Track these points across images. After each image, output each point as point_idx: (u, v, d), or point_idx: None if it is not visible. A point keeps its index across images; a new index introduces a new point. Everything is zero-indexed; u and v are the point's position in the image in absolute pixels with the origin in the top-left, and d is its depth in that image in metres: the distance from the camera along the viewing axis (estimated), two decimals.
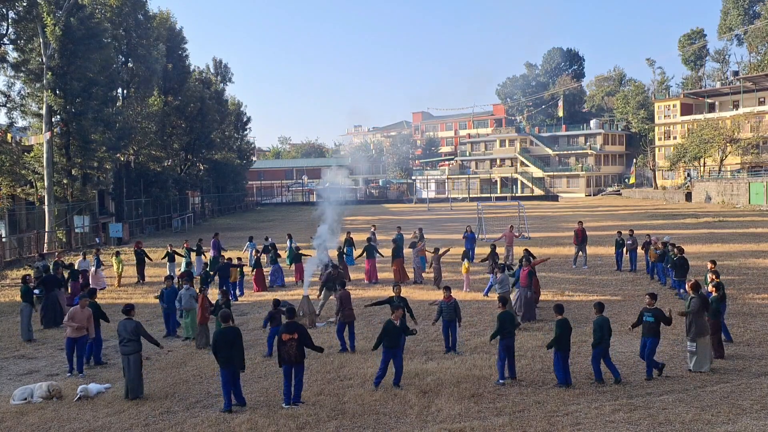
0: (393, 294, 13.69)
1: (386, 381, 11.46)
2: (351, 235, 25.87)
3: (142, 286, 22.85)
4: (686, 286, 14.52)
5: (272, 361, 12.79)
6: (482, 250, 25.76)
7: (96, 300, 13.90)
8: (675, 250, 18.43)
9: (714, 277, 13.32)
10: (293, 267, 22.98)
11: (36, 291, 16.80)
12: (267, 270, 22.75)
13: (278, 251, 24.31)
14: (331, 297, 16.03)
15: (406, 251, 23.95)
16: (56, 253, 24.79)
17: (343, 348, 13.58)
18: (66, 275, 19.16)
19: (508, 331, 11.31)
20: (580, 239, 23.67)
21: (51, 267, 19.94)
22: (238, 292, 20.19)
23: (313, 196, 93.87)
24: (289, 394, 10.40)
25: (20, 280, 17.01)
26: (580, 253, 23.80)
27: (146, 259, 23.78)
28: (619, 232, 23.97)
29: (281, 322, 11.84)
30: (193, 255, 23.84)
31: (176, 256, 23.66)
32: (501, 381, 11.18)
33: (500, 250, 23.62)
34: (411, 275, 22.17)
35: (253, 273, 21.45)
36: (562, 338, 10.92)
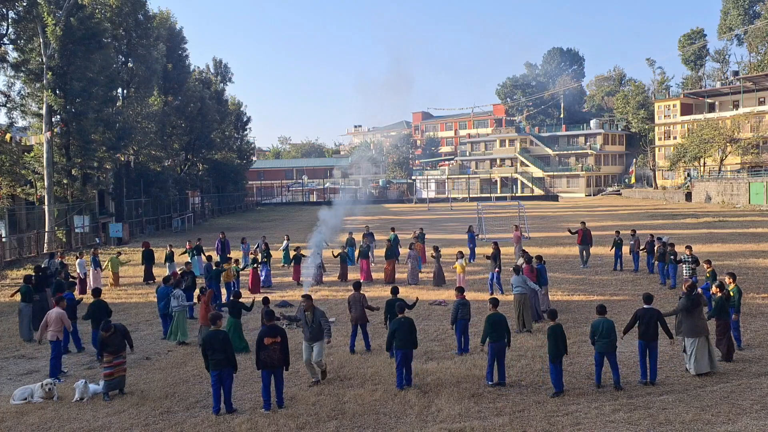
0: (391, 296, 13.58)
1: (386, 380, 11.47)
2: (353, 236, 25.89)
3: (148, 286, 22.77)
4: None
5: None
6: (482, 250, 25.81)
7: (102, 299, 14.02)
8: (686, 250, 18.45)
9: (730, 279, 13.12)
10: (291, 268, 23.02)
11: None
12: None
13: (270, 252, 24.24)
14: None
15: (404, 251, 23.99)
16: (59, 253, 24.73)
17: (351, 349, 13.51)
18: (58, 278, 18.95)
19: (498, 334, 11.18)
20: (582, 240, 23.70)
21: (58, 266, 19.86)
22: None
23: (313, 196, 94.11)
24: (269, 399, 10.29)
25: (22, 280, 16.97)
26: (584, 252, 23.82)
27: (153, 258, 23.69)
28: (617, 232, 23.97)
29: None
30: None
31: (175, 256, 23.64)
32: (489, 382, 11.15)
33: (510, 251, 23.75)
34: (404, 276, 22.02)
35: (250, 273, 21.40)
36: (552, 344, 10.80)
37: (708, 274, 15.65)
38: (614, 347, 10.80)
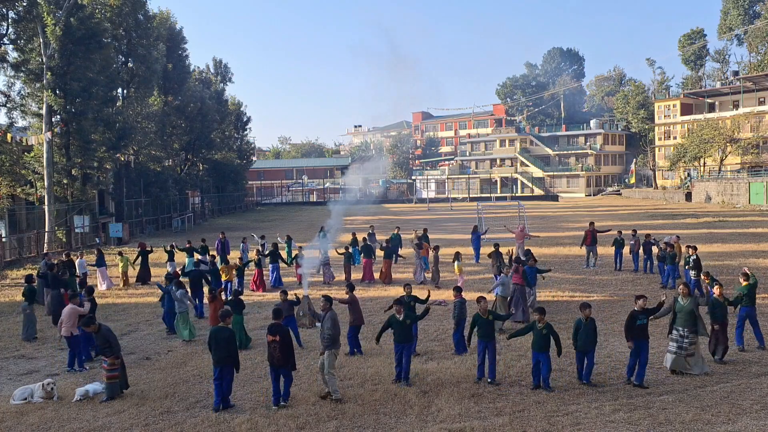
0: (404, 293, 13.55)
1: (386, 380, 11.47)
2: (356, 235, 25.90)
3: (146, 286, 22.74)
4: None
5: None
6: (485, 250, 25.79)
7: (93, 298, 14.06)
8: (690, 250, 18.46)
9: (744, 279, 13.21)
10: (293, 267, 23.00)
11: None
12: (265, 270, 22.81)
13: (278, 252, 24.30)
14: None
15: (407, 252, 24.00)
16: (63, 254, 24.71)
17: (351, 352, 13.40)
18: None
19: (484, 332, 11.29)
20: (590, 241, 23.65)
21: (57, 267, 19.87)
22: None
23: (313, 196, 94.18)
24: (278, 394, 10.37)
25: (24, 280, 17.00)
26: (591, 253, 23.77)
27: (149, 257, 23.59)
28: (619, 232, 23.94)
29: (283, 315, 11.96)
30: (196, 255, 23.81)
31: (176, 255, 23.61)
32: (489, 380, 11.24)
33: (512, 250, 23.66)
34: (408, 276, 22.04)
35: (254, 273, 21.43)
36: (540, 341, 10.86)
37: (708, 280, 15.60)
38: (582, 345, 10.92)
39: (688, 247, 19.15)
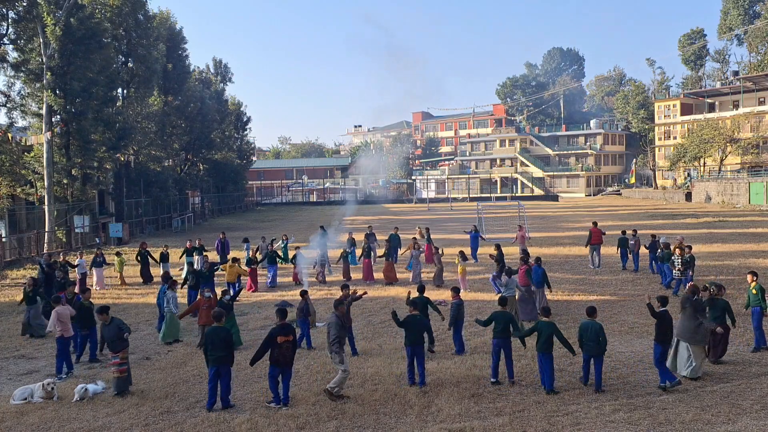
0: (416, 294, 13.51)
1: (386, 380, 11.47)
2: (353, 235, 25.90)
3: (147, 287, 22.73)
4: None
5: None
6: (484, 250, 25.81)
7: (90, 299, 14.05)
8: (686, 249, 18.48)
9: (753, 278, 13.23)
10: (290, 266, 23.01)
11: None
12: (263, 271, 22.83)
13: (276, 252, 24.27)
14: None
15: (405, 252, 23.98)
16: (61, 254, 24.70)
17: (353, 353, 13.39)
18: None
19: (500, 331, 11.23)
20: (595, 240, 23.61)
21: (59, 266, 19.88)
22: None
23: (313, 196, 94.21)
24: (278, 395, 10.39)
25: (26, 282, 16.99)
26: (594, 252, 23.73)
27: (150, 259, 23.57)
28: (623, 232, 23.93)
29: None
30: (196, 255, 23.85)
31: (170, 255, 23.61)
32: (492, 380, 11.23)
33: (514, 251, 23.68)
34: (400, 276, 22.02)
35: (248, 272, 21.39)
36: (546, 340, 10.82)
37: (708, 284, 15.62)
38: (601, 351, 10.70)
39: (679, 247, 19.15)
